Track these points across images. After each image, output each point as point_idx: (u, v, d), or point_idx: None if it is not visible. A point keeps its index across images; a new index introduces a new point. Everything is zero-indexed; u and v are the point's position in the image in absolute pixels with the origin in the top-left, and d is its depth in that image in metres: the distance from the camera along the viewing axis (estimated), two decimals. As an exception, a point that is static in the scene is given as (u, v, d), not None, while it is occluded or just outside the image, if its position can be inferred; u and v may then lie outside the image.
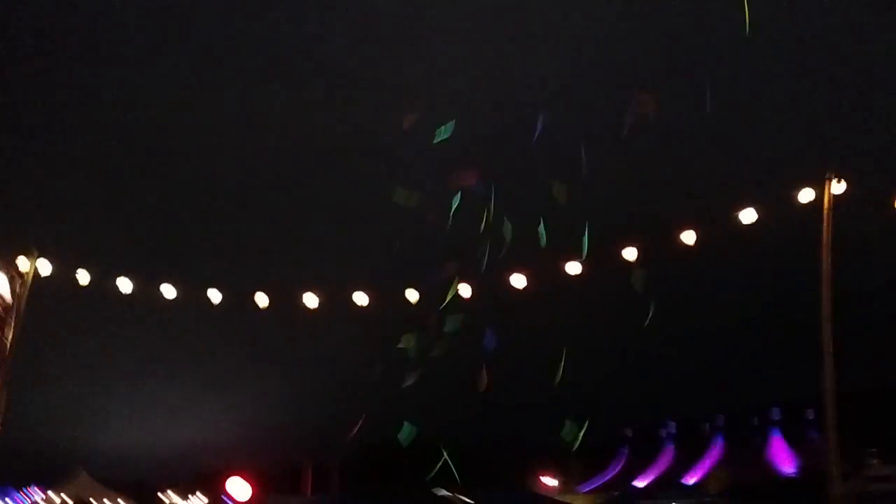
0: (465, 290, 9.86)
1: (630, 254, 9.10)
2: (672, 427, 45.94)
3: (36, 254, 10.93)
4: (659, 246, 9.13)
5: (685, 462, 38.99)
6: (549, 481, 30.95)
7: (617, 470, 37.38)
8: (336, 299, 10.24)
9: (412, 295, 10.04)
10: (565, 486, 31.28)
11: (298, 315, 10.26)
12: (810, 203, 7.93)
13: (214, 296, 10.53)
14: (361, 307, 10.10)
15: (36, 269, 10.77)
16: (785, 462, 32.81)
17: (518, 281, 9.78)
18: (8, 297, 10.94)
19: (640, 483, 33.48)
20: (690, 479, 31.24)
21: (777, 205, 8.29)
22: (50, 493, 25.47)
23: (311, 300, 10.24)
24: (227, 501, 24.94)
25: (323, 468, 35.39)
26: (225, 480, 25.75)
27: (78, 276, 10.66)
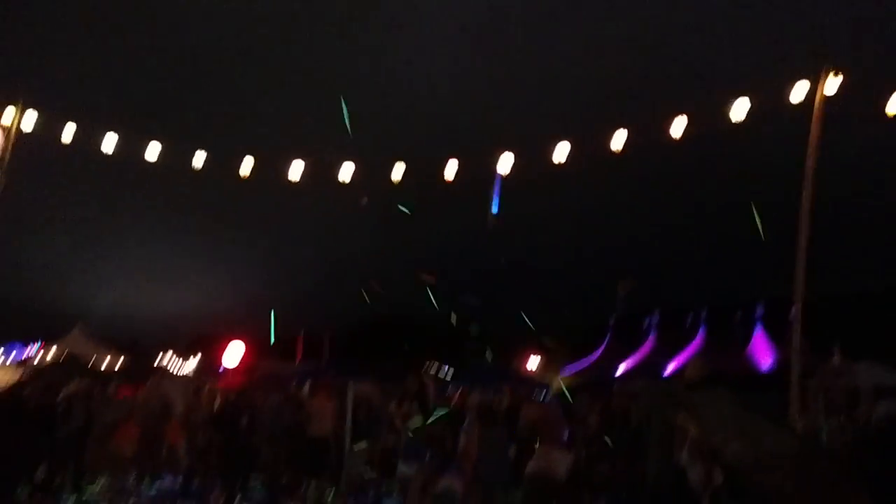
0: (450, 169, 9.75)
1: (618, 142, 8.98)
2: (656, 317, 47.04)
3: (21, 105, 10.80)
4: (649, 136, 9.00)
5: (666, 351, 40.28)
6: (532, 362, 31.99)
7: (598, 355, 38.61)
8: (321, 170, 10.17)
9: (398, 171, 9.95)
10: (547, 368, 32.32)
11: (284, 184, 10.21)
12: (805, 98, 7.76)
13: (199, 158, 10.46)
14: (344, 183, 10.05)
15: (20, 123, 10.66)
16: (764, 356, 33.89)
17: (505, 161, 9.64)
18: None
19: (620, 368, 34.67)
20: (669, 367, 32.32)
21: (769, 98, 8.11)
22: (47, 348, 26.36)
23: (296, 169, 10.19)
24: (222, 365, 25.84)
25: (314, 337, 36.64)
26: (220, 345, 26.68)
27: (63, 132, 10.56)
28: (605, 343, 46.18)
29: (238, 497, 10.68)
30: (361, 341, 45.93)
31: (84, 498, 10.53)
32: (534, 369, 30.41)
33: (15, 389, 11.84)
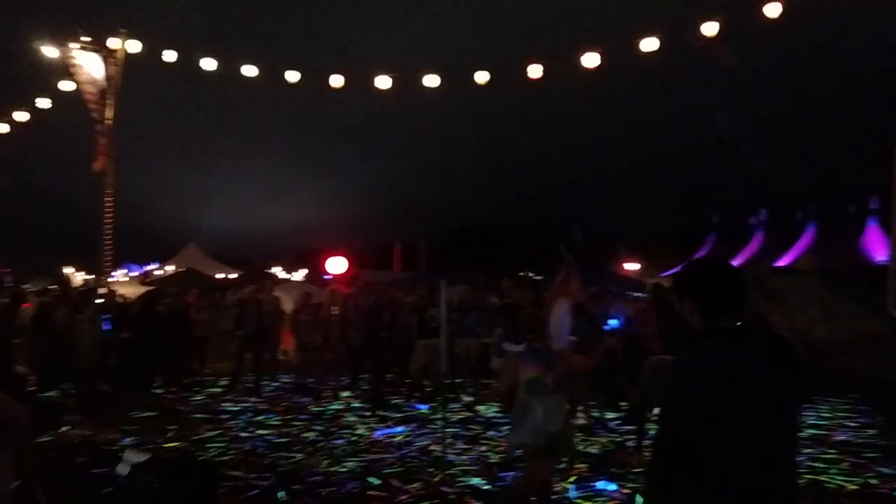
0: (535, 71, 9.62)
1: (710, 29, 8.59)
2: (763, 214, 45.20)
3: (126, 34, 11.42)
4: (745, 20, 8.55)
5: (774, 249, 38.94)
6: (632, 265, 31.71)
7: (702, 255, 37.83)
8: (406, 81, 10.28)
9: (482, 76, 9.90)
10: (647, 270, 32.01)
11: (373, 96, 10.42)
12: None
13: (292, 76, 10.79)
14: (431, 88, 10.10)
15: (126, 49, 11.27)
16: (878, 249, 32.29)
17: (591, 60, 9.40)
18: (102, 76, 11.64)
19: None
20: (779, 264, 31.27)
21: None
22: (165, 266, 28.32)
23: (383, 82, 10.35)
24: (326, 275, 27.04)
25: (411, 247, 37.66)
26: (323, 258, 27.92)
27: (164, 56, 11.09)
28: (707, 243, 45.01)
29: (348, 392, 11.51)
30: (456, 250, 46.72)
31: (210, 395, 11.59)
32: (633, 272, 30.23)
33: (146, 299, 13.04)
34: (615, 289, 15.81)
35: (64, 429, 8.59)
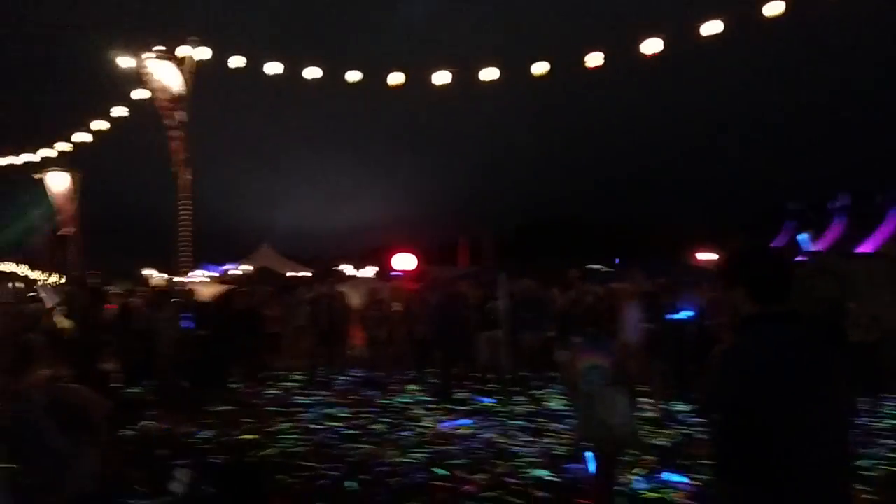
0: (594, 59, 9.50)
1: (774, 9, 8.29)
2: (844, 199, 43.21)
3: (195, 41, 11.86)
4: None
5: (856, 234, 37.23)
6: (706, 255, 30.89)
7: (782, 243, 36.51)
8: (465, 75, 10.31)
9: (541, 67, 9.82)
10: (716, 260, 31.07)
11: (433, 92, 10.50)
12: None
13: (353, 76, 10.99)
14: (490, 82, 10.09)
15: (195, 57, 11.71)
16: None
17: (652, 46, 9.21)
18: (175, 85, 12.14)
19: (804, 257, 32.54)
20: (862, 250, 29.91)
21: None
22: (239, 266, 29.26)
23: (441, 78, 10.41)
24: (394, 272, 27.42)
25: (477, 243, 37.70)
26: (391, 255, 28.38)
27: (232, 62, 11.47)
28: (785, 231, 43.47)
29: (414, 386, 11.67)
30: (523, 244, 46.55)
31: (283, 389, 11.95)
32: (708, 262, 29.41)
33: (222, 297, 13.54)
34: (687, 279, 15.47)
35: (146, 422, 9.01)
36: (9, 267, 45.33)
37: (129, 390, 10.92)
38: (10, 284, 29.19)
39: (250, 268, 27.73)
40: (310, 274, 27.45)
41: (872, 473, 6.34)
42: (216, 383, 11.10)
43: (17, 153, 18.47)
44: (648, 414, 8.98)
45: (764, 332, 2.30)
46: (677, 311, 9.38)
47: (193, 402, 10.03)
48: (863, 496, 5.65)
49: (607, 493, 5.08)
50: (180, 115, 12.52)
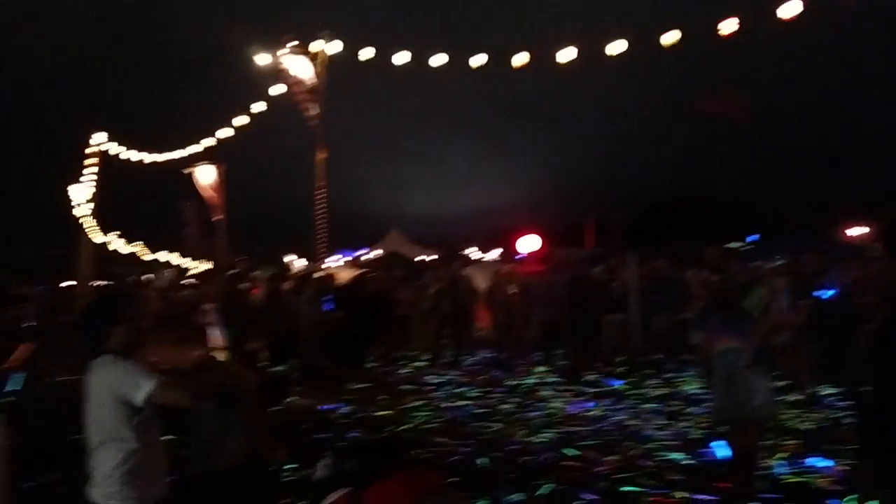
0: (728, 26, 8.97)
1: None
2: None
3: (328, 36, 12.39)
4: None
5: None
6: (855, 230, 28.67)
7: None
8: (594, 51, 10.10)
9: (671, 36, 9.42)
10: (873, 235, 28.79)
11: (558, 70, 10.38)
12: None
13: (478, 60, 11.06)
14: (617, 55, 9.82)
15: (327, 52, 12.22)
16: None
17: (790, 9, 8.61)
18: (309, 79, 12.72)
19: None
20: None
21: None
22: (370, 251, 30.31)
23: (567, 54, 10.27)
24: (520, 254, 27.39)
25: (604, 223, 36.94)
26: (516, 237, 28.35)
27: (362, 54, 11.88)
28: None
29: (542, 367, 11.70)
30: (654, 223, 45.03)
31: (415, 368, 12.35)
32: (857, 237, 27.33)
33: (357, 280, 14.13)
34: (836, 256, 14.45)
35: (290, 399, 9.61)
36: (163, 256, 49.32)
37: (274, 369, 11.69)
38: (164, 272, 31.76)
39: (381, 252, 28.66)
40: (436, 257, 27.99)
41: None
42: (354, 362, 11.63)
43: (168, 150, 20.01)
44: (794, 397, 8.55)
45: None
46: (823, 290, 8.83)
47: (334, 380, 10.58)
48: None
49: (747, 477, 4.92)
50: (314, 108, 13.11)
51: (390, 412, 8.74)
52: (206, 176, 25.61)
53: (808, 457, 6.16)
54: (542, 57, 11.01)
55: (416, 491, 2.95)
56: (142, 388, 2.91)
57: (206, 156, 22.39)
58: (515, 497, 5.55)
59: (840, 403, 8.06)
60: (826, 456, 6.14)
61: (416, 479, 3.07)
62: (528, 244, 26.06)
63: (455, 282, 13.02)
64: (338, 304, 12.27)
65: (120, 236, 41.43)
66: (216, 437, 4.15)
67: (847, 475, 5.61)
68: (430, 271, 15.78)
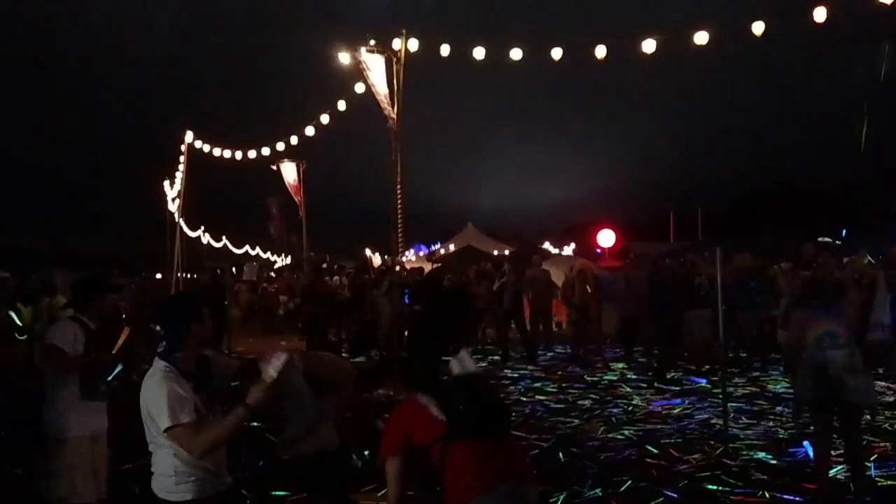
0: (820, 14, 8.59)
1: None
2: None
3: (405, 34, 12.57)
4: None
5: None
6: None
7: None
8: (675, 42, 9.87)
9: (758, 28, 9.10)
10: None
11: (640, 62, 10.20)
12: None
13: (557, 53, 10.99)
14: (702, 46, 9.56)
15: (407, 49, 12.41)
16: None
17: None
18: (388, 77, 12.92)
19: None
20: None
21: None
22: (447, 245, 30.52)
23: (649, 46, 10.07)
24: (597, 248, 27.10)
25: (688, 216, 35.97)
26: (592, 231, 28.05)
27: (441, 51, 12.00)
28: None
29: (622, 364, 11.56)
30: (739, 215, 43.57)
31: (491, 362, 12.41)
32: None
33: (434, 273, 14.33)
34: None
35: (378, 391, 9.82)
36: (247, 250, 51.13)
37: (355, 360, 11.99)
38: (252, 264, 32.96)
39: (455, 247, 28.84)
40: (514, 252, 27.96)
41: None
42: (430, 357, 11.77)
43: (255, 147, 20.67)
44: (890, 398, 8.20)
45: None
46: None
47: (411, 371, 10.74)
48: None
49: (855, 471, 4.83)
50: (393, 106, 13.32)
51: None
52: (290, 172, 26.40)
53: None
54: (620, 49, 10.85)
55: (492, 474, 2.87)
56: (161, 422, 2.87)
57: (289, 153, 23.05)
58: (595, 493, 5.54)
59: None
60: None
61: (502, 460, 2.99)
62: (605, 239, 25.77)
63: (519, 276, 13.17)
64: (415, 297, 12.47)
65: (206, 231, 43.24)
66: (310, 425, 4.32)
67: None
68: (506, 265, 15.83)
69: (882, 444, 6.38)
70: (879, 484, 5.41)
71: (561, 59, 11.00)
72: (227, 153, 20.04)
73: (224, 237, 48.48)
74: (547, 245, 35.73)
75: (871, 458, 5.93)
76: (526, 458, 3.48)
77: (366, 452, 6.58)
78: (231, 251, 50.27)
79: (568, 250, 31.82)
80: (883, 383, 8.77)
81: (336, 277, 13.66)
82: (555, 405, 8.77)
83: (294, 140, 19.06)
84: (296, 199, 28.33)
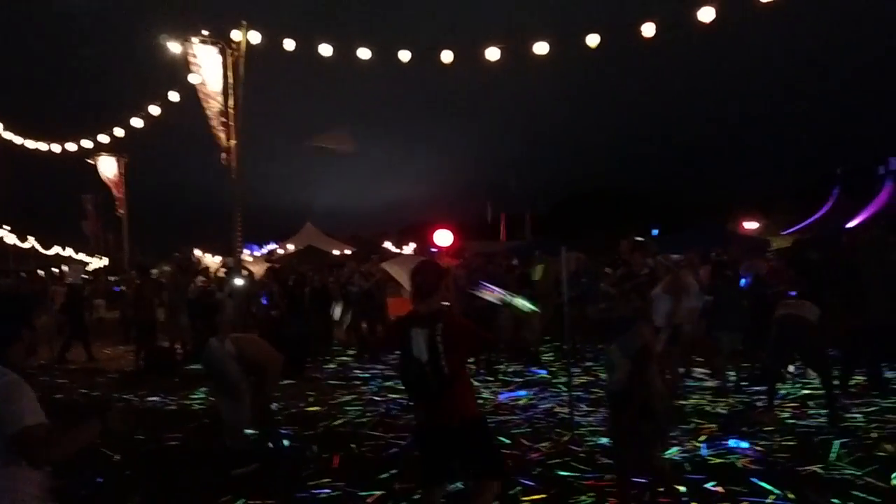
0: (647, 30, 9.39)
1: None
2: (893, 163, 41.78)
3: (246, 25, 12.08)
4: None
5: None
6: (751, 224, 30.46)
7: (826, 210, 35.70)
8: (515, 49, 10.29)
9: (592, 40, 9.74)
10: (768, 228, 30.72)
11: (483, 69, 10.53)
12: None
13: (404, 55, 11.07)
14: (541, 56, 10.06)
15: (247, 40, 11.92)
16: None
17: (707, 14, 9.09)
18: (222, 70, 12.36)
19: (852, 222, 31.79)
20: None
21: None
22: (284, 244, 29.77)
23: (492, 54, 10.43)
24: (433, 248, 27.57)
25: (516, 217, 37.71)
26: (430, 231, 28.53)
27: (284, 44, 11.66)
28: (832, 198, 42.42)
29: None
30: (565, 217, 46.33)
31: (340, 363, 12.28)
32: (752, 230, 28.99)
33: (269, 273, 13.89)
34: (736, 248, 15.35)
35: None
36: (58, 251, 46.75)
37: (190, 367, 11.35)
38: (71, 266, 30.10)
39: (294, 247, 28.20)
40: (354, 252, 27.82)
41: None
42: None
43: (71, 140, 19.00)
44: (710, 383, 9.08)
45: None
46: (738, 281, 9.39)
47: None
48: None
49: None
50: (228, 101, 12.77)
51: (320, 408, 8.67)
52: (108, 167, 24.46)
53: (729, 439, 6.56)
54: (465, 55, 11.14)
55: None
56: (17, 423, 2.53)
57: (111, 147, 21.40)
58: (457, 486, 5.64)
59: (751, 388, 8.64)
60: (742, 438, 6.57)
61: None
62: (442, 238, 26.31)
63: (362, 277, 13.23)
64: (273, 301, 12.06)
65: (11, 231, 39.01)
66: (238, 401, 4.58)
67: (762, 457, 6.02)
68: (348, 265, 15.74)
69: (709, 426, 7.04)
70: (714, 462, 5.96)
71: (409, 61, 11.10)
72: (41, 146, 18.23)
73: (31, 237, 43.98)
74: (387, 244, 35.93)
75: (701, 440, 6.56)
76: None
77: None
78: (40, 252, 45.74)
79: (408, 250, 32.20)
80: (701, 370, 9.73)
81: (201, 278, 12.92)
82: (409, 403, 8.81)
83: (118, 132, 17.73)
84: (116, 196, 26.37)
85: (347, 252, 27.08)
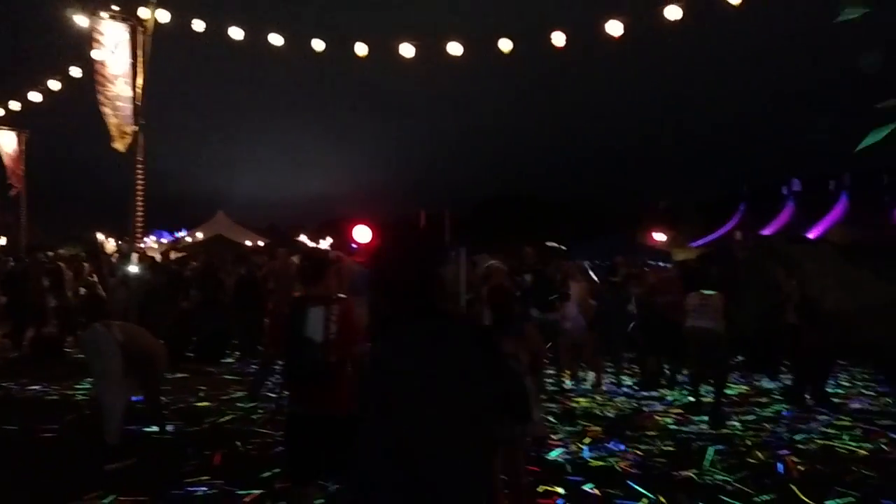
0: (558, 38, 9.55)
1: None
2: (795, 185, 44.24)
3: (154, 3, 11.60)
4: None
5: (806, 219, 38.18)
6: (659, 236, 31.46)
7: (732, 225, 37.44)
8: (430, 49, 10.28)
9: (505, 45, 9.82)
10: (675, 241, 31.77)
11: (398, 65, 10.46)
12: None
13: (318, 45, 10.87)
14: (455, 56, 10.08)
15: (156, 19, 11.44)
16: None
17: (616, 28, 9.33)
18: (129, 47, 11.84)
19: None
20: (811, 235, 30.82)
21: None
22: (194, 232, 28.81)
23: (407, 50, 10.37)
24: (351, 244, 27.25)
25: (436, 217, 37.74)
26: (348, 227, 28.17)
27: (193, 25, 11.24)
28: (738, 215, 44.54)
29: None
30: (483, 219, 46.79)
31: (237, 358, 11.93)
32: (660, 242, 29.96)
33: (173, 263, 13.40)
34: (640, 259, 15.85)
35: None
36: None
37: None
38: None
39: (203, 235, 27.35)
40: (266, 243, 27.22)
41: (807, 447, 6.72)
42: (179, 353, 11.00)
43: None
44: (599, 387, 9.30)
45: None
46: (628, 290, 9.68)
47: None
48: (798, 468, 6.01)
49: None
50: (136, 79, 12.23)
51: (210, 403, 8.40)
52: (6, 142, 23.08)
53: (611, 441, 6.72)
54: (383, 49, 11.04)
55: None
56: None
57: (8, 120, 20.24)
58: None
59: (639, 394, 8.92)
60: (623, 441, 6.74)
61: None
62: (361, 234, 26.03)
63: (267, 269, 12.89)
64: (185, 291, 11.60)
65: None
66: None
67: (642, 460, 6.19)
68: (259, 257, 15.33)
69: (595, 429, 7.18)
70: (594, 465, 6.08)
71: (323, 51, 10.90)
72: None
73: None
74: (303, 238, 35.31)
75: (585, 442, 6.69)
76: None
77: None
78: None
79: (325, 244, 31.73)
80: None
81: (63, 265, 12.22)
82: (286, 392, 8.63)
83: (14, 105, 16.76)
84: (14, 173, 24.92)
85: (260, 243, 26.46)
